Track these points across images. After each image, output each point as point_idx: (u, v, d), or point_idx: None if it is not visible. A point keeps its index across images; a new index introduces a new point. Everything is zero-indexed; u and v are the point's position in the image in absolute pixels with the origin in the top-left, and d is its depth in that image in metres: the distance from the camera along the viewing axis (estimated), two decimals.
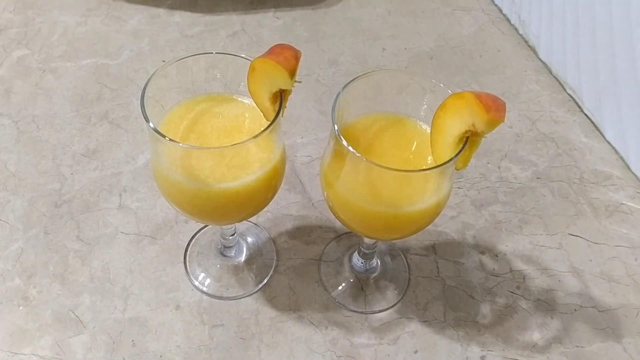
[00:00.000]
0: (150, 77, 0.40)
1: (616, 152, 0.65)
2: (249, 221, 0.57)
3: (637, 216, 0.60)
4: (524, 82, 0.73)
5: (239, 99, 0.45)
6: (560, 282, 0.54)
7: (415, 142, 0.43)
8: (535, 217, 0.59)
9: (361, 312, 0.52)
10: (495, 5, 0.84)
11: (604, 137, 0.67)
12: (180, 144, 0.37)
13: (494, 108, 0.35)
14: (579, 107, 0.70)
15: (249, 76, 0.40)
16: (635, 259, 0.56)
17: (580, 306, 0.53)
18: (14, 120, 0.65)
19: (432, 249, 0.56)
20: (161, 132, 0.37)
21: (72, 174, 0.60)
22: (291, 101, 0.41)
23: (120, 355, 0.48)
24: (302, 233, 0.57)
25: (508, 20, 0.82)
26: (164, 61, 0.35)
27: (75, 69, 0.71)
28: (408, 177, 0.40)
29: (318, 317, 0.51)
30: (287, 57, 0.38)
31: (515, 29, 0.80)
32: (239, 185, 0.40)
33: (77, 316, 0.50)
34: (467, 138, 0.37)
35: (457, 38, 0.79)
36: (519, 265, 0.55)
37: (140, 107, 0.38)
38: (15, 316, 0.49)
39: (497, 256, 0.56)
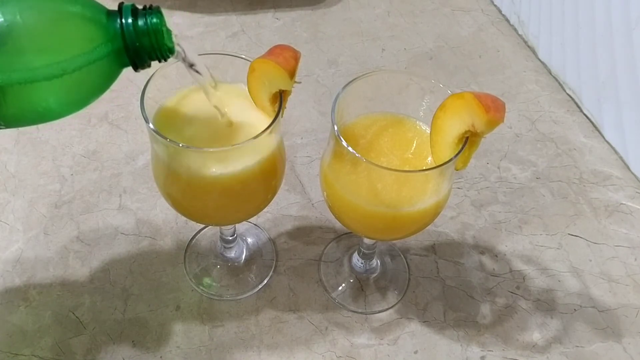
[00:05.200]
0: (150, 78, 0.40)
1: (615, 152, 0.65)
2: (249, 222, 0.57)
3: (636, 216, 0.60)
4: (524, 83, 0.73)
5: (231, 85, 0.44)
6: (560, 282, 0.54)
7: (414, 143, 0.43)
8: (535, 217, 0.59)
9: (361, 313, 0.52)
10: (495, 5, 0.84)
11: (603, 137, 0.67)
12: (180, 145, 0.37)
13: (494, 108, 0.35)
14: (579, 107, 0.70)
15: (249, 77, 0.40)
16: (635, 259, 0.56)
17: (580, 306, 0.53)
18: None
19: (432, 249, 0.56)
20: (156, 124, 0.37)
21: (72, 174, 0.60)
22: (291, 102, 0.41)
23: (121, 356, 0.48)
24: (302, 234, 0.57)
25: (507, 20, 0.82)
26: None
27: None
28: (408, 177, 0.40)
29: (318, 318, 0.51)
30: (286, 57, 0.38)
31: (515, 30, 0.81)
32: (239, 186, 0.40)
33: (77, 317, 0.50)
34: (467, 138, 0.37)
35: (456, 38, 0.79)
36: (519, 265, 0.55)
37: (139, 108, 0.38)
38: (15, 317, 0.49)
39: (497, 256, 0.56)
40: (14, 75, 0.29)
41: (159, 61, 0.35)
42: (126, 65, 0.34)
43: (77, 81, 0.31)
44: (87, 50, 0.31)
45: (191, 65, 0.37)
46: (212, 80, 0.39)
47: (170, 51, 0.35)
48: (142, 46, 0.33)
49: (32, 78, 0.30)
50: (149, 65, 0.35)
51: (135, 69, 0.34)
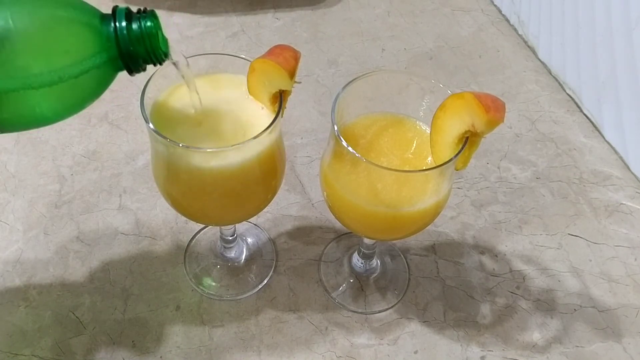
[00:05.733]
0: (150, 78, 0.40)
1: (615, 152, 0.65)
2: (249, 222, 0.57)
3: (636, 216, 0.60)
4: (524, 83, 0.73)
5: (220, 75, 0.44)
6: (560, 282, 0.54)
7: (414, 143, 0.43)
8: (535, 217, 0.59)
9: (361, 313, 0.52)
10: (495, 5, 0.84)
11: (603, 137, 0.67)
12: (180, 145, 0.37)
13: (494, 108, 0.35)
14: (579, 107, 0.70)
15: (249, 77, 0.40)
16: (635, 259, 0.56)
17: (580, 306, 0.53)
18: None
19: (432, 249, 0.56)
20: (153, 121, 0.37)
21: (72, 174, 0.60)
22: (291, 102, 0.41)
23: (121, 356, 0.48)
24: (302, 233, 0.57)
25: (507, 20, 0.82)
26: None
27: None
28: (408, 177, 0.40)
29: (318, 318, 0.51)
30: (286, 57, 0.38)
31: (515, 30, 0.81)
32: (239, 186, 0.40)
33: (77, 317, 0.50)
34: (467, 138, 0.37)
35: (456, 38, 0.79)
36: (519, 265, 0.55)
37: (139, 108, 0.38)
38: (15, 317, 0.49)
39: (497, 256, 0.56)
40: (7, 83, 0.29)
41: (154, 65, 0.35)
42: (121, 70, 0.34)
43: (72, 88, 0.31)
44: (82, 58, 0.31)
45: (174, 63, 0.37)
46: (187, 66, 0.38)
47: (166, 55, 0.34)
48: (136, 51, 0.33)
49: (27, 86, 0.29)
50: (144, 69, 0.35)
51: (130, 73, 0.34)
